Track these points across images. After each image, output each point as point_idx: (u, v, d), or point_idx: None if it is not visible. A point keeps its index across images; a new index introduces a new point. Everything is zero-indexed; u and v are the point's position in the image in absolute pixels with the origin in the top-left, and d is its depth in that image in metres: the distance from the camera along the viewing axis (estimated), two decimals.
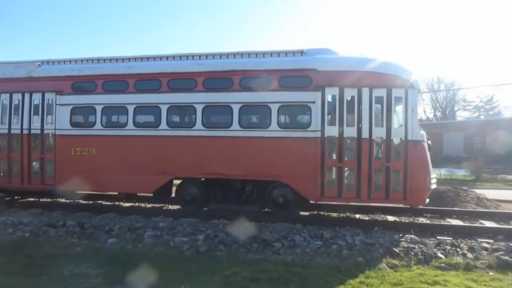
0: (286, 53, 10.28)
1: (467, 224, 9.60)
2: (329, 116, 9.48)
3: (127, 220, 9.98)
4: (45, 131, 11.16)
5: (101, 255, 7.45)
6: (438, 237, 8.43)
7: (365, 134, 9.26)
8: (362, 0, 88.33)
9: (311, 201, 10.08)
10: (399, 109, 9.38)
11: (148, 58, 10.95)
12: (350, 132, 9.35)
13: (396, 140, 9.29)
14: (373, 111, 9.29)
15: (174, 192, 11.22)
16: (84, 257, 7.21)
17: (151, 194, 10.96)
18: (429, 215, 10.79)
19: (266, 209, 10.54)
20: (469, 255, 7.27)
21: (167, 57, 10.90)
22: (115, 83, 10.69)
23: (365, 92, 9.31)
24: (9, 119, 11.43)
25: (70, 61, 11.50)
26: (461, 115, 64.07)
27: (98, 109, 10.71)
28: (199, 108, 10.05)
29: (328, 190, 9.37)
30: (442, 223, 9.89)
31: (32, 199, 12.94)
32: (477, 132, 39.68)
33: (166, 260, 7.11)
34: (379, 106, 9.36)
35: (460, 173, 24.74)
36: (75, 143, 10.78)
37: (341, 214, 10.97)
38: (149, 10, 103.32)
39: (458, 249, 7.52)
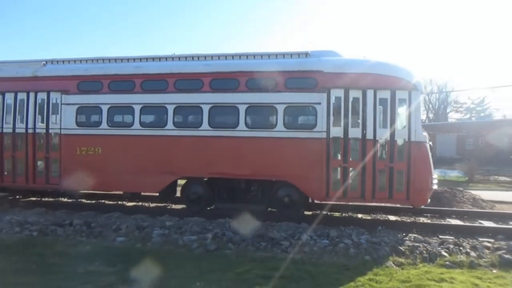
0: (291, 54, 10.43)
1: (468, 224, 9.83)
2: (334, 117, 9.63)
3: (132, 219, 10.01)
4: (50, 131, 11.17)
5: (111, 253, 7.54)
6: (441, 236, 8.65)
7: (369, 135, 9.44)
8: (362, 1, 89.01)
9: (315, 201, 10.24)
10: (402, 110, 9.57)
11: (154, 59, 11.02)
12: (354, 133, 9.52)
13: (399, 141, 9.48)
14: (377, 113, 9.48)
15: (179, 191, 11.31)
16: (94, 256, 7.28)
17: (157, 194, 11.03)
18: (429, 215, 11.01)
19: (269, 209, 10.66)
20: (472, 253, 7.49)
21: (173, 58, 10.99)
22: (122, 83, 10.75)
23: (370, 93, 9.49)
24: (13, 118, 11.41)
25: (76, 61, 11.52)
26: (453, 116, 64.95)
27: (104, 108, 10.76)
28: (205, 109, 10.15)
29: (333, 190, 9.53)
30: (443, 222, 10.10)
31: (34, 199, 12.93)
32: (469, 133, 40.25)
33: (176, 258, 7.22)
34: (383, 107, 9.56)
35: (453, 174, 25.04)
36: (81, 142, 10.82)
37: (344, 214, 11.14)
38: (149, 10, 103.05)
39: (461, 248, 7.74)
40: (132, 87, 10.62)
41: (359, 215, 11.05)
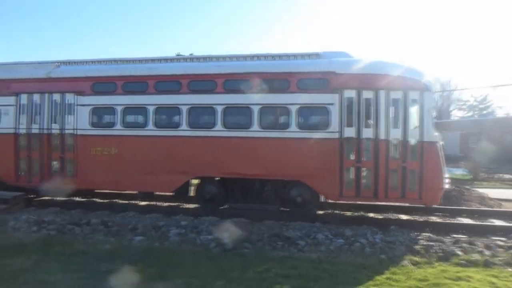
0: (302, 55, 10.54)
1: (479, 223, 9.91)
2: (347, 118, 9.73)
3: (147, 218, 10.12)
4: (65, 131, 11.31)
5: (131, 252, 7.65)
6: (454, 235, 8.73)
7: (382, 135, 9.54)
8: (362, 0, 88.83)
9: (329, 200, 10.35)
10: (414, 111, 9.66)
11: (167, 60, 11.14)
12: (367, 133, 9.62)
13: (412, 141, 9.56)
14: (389, 113, 9.58)
15: (193, 191, 11.43)
16: (114, 254, 7.41)
17: (171, 193, 11.16)
18: (440, 214, 11.11)
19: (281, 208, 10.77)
20: (486, 252, 7.58)
21: (186, 59, 11.11)
22: (136, 84, 10.87)
23: (382, 94, 9.59)
24: (28, 119, 11.54)
25: (88, 62, 11.65)
26: (455, 114, 64.88)
27: (119, 109, 10.88)
28: (219, 109, 10.26)
29: (346, 189, 9.65)
30: (455, 221, 10.20)
31: (47, 198, 13.06)
32: (473, 131, 40.24)
33: (195, 257, 7.33)
34: (396, 108, 9.65)
35: (458, 172, 25.05)
36: (95, 143, 10.96)
37: (355, 213, 11.25)
38: (149, 10, 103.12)
39: (474, 247, 7.84)
40: (145, 88, 10.74)
41: (371, 214, 11.15)
